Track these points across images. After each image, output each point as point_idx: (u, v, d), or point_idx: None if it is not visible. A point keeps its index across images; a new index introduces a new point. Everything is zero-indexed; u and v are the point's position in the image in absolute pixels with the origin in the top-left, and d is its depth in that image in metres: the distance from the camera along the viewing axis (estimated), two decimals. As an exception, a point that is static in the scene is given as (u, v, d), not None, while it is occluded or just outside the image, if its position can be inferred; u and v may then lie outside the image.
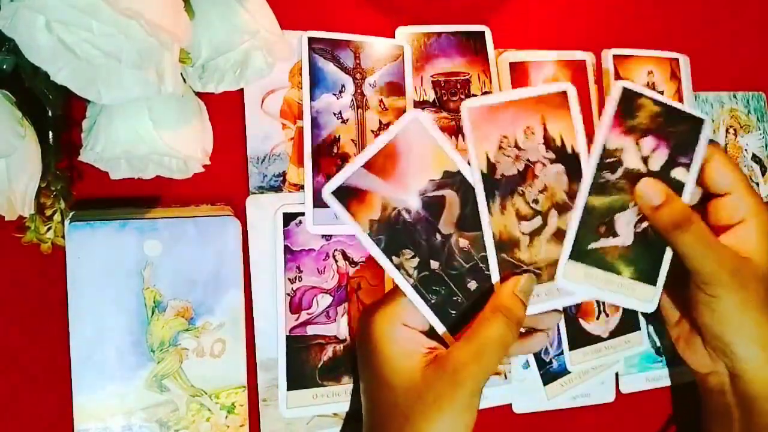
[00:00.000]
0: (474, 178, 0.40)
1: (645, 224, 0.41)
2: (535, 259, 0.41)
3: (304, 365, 0.42)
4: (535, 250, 0.41)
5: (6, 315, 0.39)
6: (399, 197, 0.39)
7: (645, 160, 0.41)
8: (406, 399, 0.36)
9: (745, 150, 0.56)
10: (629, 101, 0.41)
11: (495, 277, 0.40)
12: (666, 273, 0.42)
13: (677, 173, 0.41)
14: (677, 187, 0.41)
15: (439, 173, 0.40)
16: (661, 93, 0.52)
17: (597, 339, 0.48)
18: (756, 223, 0.41)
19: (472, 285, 0.40)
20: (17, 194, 0.33)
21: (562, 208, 0.41)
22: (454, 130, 0.46)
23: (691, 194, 0.42)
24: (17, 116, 0.32)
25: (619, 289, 0.41)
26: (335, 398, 0.43)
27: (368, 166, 0.39)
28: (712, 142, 0.43)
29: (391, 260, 0.39)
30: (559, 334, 0.47)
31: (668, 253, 0.42)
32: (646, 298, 0.41)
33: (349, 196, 0.39)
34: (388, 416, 0.37)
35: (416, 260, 0.39)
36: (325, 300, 0.43)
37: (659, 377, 0.52)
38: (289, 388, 0.42)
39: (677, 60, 0.53)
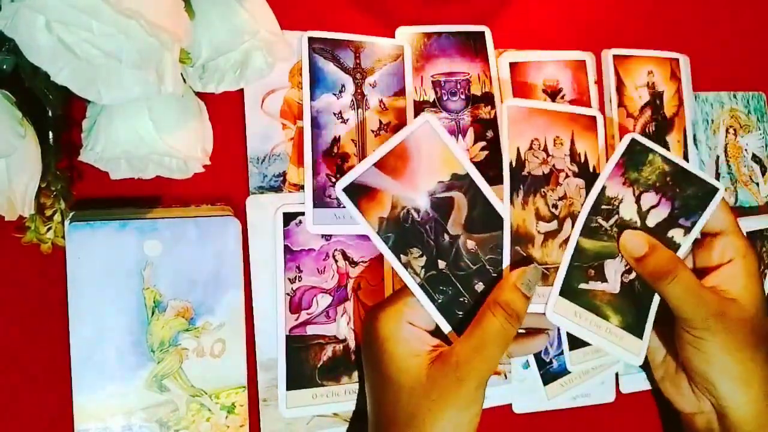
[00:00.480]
0: (503, 167, 0.41)
1: (632, 276, 0.42)
2: (545, 259, 0.42)
3: (304, 365, 0.42)
4: (547, 251, 0.42)
5: (6, 315, 0.39)
6: (408, 196, 0.40)
7: (643, 214, 0.42)
8: (411, 397, 0.36)
9: (745, 150, 0.56)
10: (637, 154, 0.42)
11: (506, 263, 0.41)
12: (651, 327, 0.42)
13: (674, 233, 0.42)
14: (671, 247, 0.42)
15: (447, 175, 0.41)
16: (661, 93, 0.52)
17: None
18: (743, 264, 0.42)
19: (479, 286, 0.40)
20: (17, 194, 0.33)
21: (577, 220, 0.43)
22: (454, 131, 0.47)
23: (684, 256, 0.42)
24: (17, 116, 0.32)
25: (607, 336, 0.41)
26: (335, 398, 0.43)
27: (379, 165, 0.40)
28: None
29: (399, 258, 0.39)
30: (559, 334, 0.47)
31: (653, 307, 0.42)
32: (633, 350, 0.42)
33: (360, 193, 0.39)
34: (395, 414, 0.37)
35: (424, 259, 0.40)
36: (324, 300, 0.43)
37: (659, 377, 0.52)
38: (289, 388, 0.42)
39: (677, 60, 0.53)
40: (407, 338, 0.38)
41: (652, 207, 0.42)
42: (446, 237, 0.40)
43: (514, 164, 0.42)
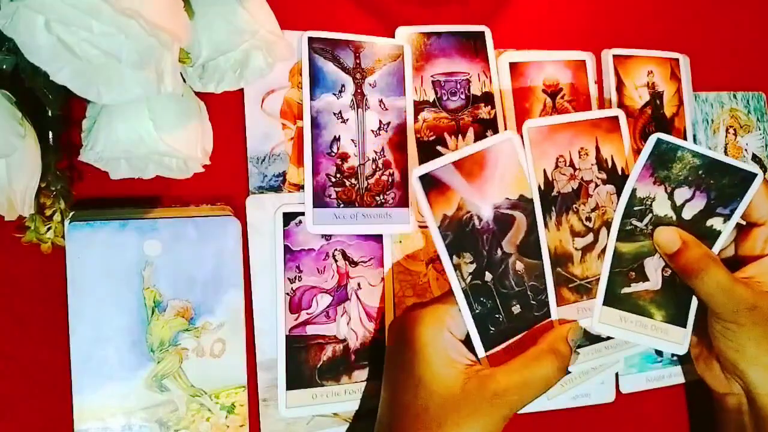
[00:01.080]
0: (533, 193, 0.41)
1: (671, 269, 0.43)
2: (586, 274, 0.43)
3: (304, 365, 0.42)
4: (586, 266, 0.43)
5: (6, 315, 0.39)
6: (475, 203, 0.40)
7: (678, 209, 0.42)
8: (441, 406, 0.37)
9: (745, 150, 0.56)
10: (663, 153, 0.42)
11: (550, 289, 0.42)
12: (695, 314, 0.43)
13: (714, 222, 0.42)
14: (711, 235, 0.42)
15: (516, 194, 0.41)
16: (661, 93, 0.52)
17: (597, 339, 0.48)
18: None
19: (516, 309, 0.41)
20: (17, 194, 0.33)
21: (612, 227, 0.43)
22: (454, 131, 0.47)
23: (723, 244, 0.43)
24: (17, 116, 0.32)
25: (652, 332, 0.42)
26: (335, 398, 0.43)
27: (457, 165, 0.40)
28: None
29: (452, 259, 0.39)
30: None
31: (695, 297, 0.43)
32: (677, 340, 0.43)
33: (432, 185, 0.39)
34: (417, 418, 0.37)
35: (473, 266, 0.40)
36: (324, 300, 0.43)
37: (659, 377, 0.52)
38: (289, 387, 0.42)
39: (677, 60, 0.53)
40: (446, 347, 0.38)
41: (687, 201, 0.42)
42: (499, 252, 0.40)
43: (543, 187, 0.42)
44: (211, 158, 0.38)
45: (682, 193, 0.42)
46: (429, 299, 0.43)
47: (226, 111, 0.43)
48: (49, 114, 0.36)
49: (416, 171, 0.39)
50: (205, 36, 0.35)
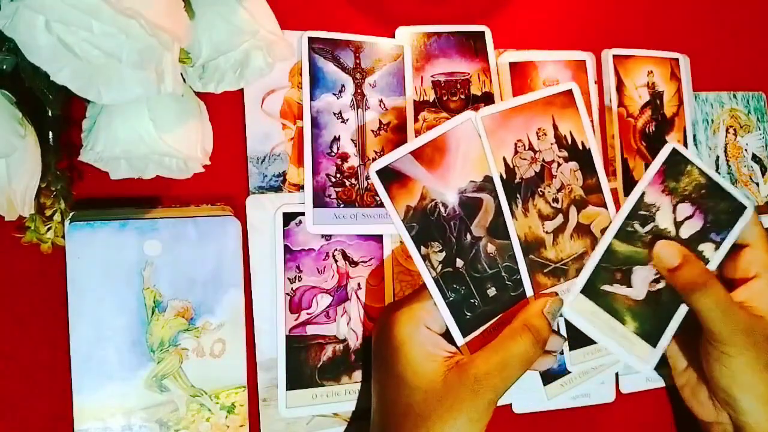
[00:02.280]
0: (495, 183, 0.41)
1: (661, 285, 0.42)
2: (561, 256, 0.42)
3: (304, 365, 0.42)
4: (560, 248, 0.42)
5: (6, 315, 0.39)
6: (439, 190, 0.40)
7: (678, 224, 0.42)
8: (425, 401, 0.37)
9: (745, 150, 0.56)
10: (676, 164, 0.42)
11: (525, 277, 0.41)
12: (669, 338, 0.42)
13: (705, 248, 0.42)
14: (701, 260, 0.42)
15: (480, 176, 0.41)
16: (661, 93, 0.52)
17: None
18: None
19: (491, 291, 0.40)
20: (17, 194, 0.33)
21: (580, 204, 0.42)
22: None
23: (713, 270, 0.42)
24: (17, 116, 0.32)
25: (619, 339, 0.41)
26: (335, 398, 0.43)
27: (416, 154, 0.40)
28: None
29: (419, 250, 0.39)
30: (558, 330, 0.47)
31: (677, 319, 0.42)
32: (643, 357, 0.41)
33: (392, 178, 0.39)
34: (404, 416, 0.37)
35: (443, 255, 0.40)
36: (324, 300, 0.43)
37: (659, 377, 0.52)
38: (289, 387, 0.42)
39: (677, 60, 0.53)
40: (424, 342, 0.38)
41: (687, 218, 0.42)
42: (468, 237, 0.40)
43: (504, 175, 0.41)
44: (211, 158, 0.38)
45: (684, 209, 0.42)
46: (405, 296, 0.43)
47: (226, 111, 0.43)
48: (49, 114, 0.36)
49: (373, 166, 0.39)
50: (205, 36, 0.35)
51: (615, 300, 0.41)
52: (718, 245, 0.42)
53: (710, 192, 0.42)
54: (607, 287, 0.41)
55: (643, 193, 0.42)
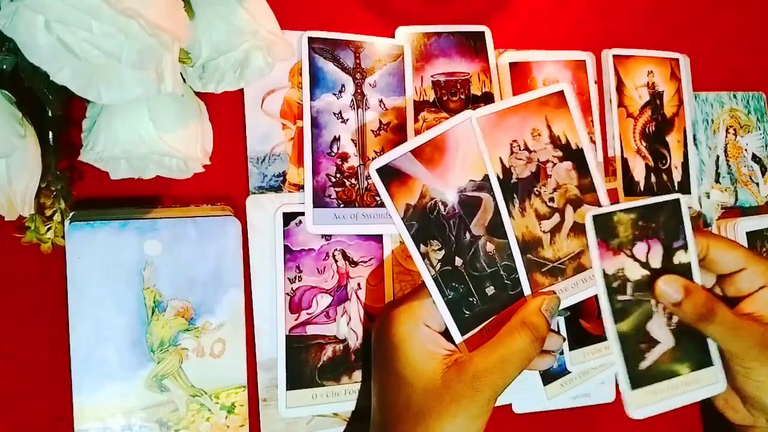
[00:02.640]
0: (492, 184, 0.41)
1: (675, 319, 0.42)
2: (558, 255, 0.42)
3: (304, 365, 0.42)
4: (557, 247, 0.42)
5: (6, 315, 0.39)
6: (439, 189, 0.40)
7: (646, 264, 0.42)
8: (424, 398, 0.37)
9: (745, 150, 0.56)
10: (603, 223, 0.42)
11: (523, 276, 0.41)
12: (716, 347, 0.42)
13: (679, 257, 0.42)
14: (684, 270, 0.42)
15: (480, 175, 0.41)
16: (661, 93, 0.52)
17: (597, 339, 0.48)
18: None
19: (490, 290, 0.41)
20: (17, 194, 0.33)
21: (576, 203, 0.42)
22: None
23: (699, 271, 0.42)
24: (17, 116, 0.32)
25: (686, 387, 0.42)
26: (335, 398, 0.43)
27: (416, 152, 0.40)
28: (701, 231, 0.44)
29: (419, 248, 0.40)
30: (558, 329, 0.47)
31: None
32: (712, 381, 0.42)
33: (392, 176, 0.40)
34: (403, 414, 0.37)
35: (442, 253, 0.40)
36: (324, 300, 0.43)
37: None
38: (289, 387, 0.42)
39: (677, 60, 0.53)
40: (423, 340, 0.38)
41: (647, 252, 0.42)
42: (467, 236, 0.40)
43: (501, 176, 0.41)
44: (211, 158, 0.38)
45: (640, 249, 0.42)
46: (404, 294, 0.43)
47: (226, 111, 0.43)
48: (49, 114, 0.36)
49: (373, 164, 0.39)
50: (205, 36, 0.35)
51: (660, 364, 0.42)
52: (685, 247, 0.42)
53: (644, 217, 0.42)
54: (644, 363, 0.41)
55: (603, 270, 0.41)
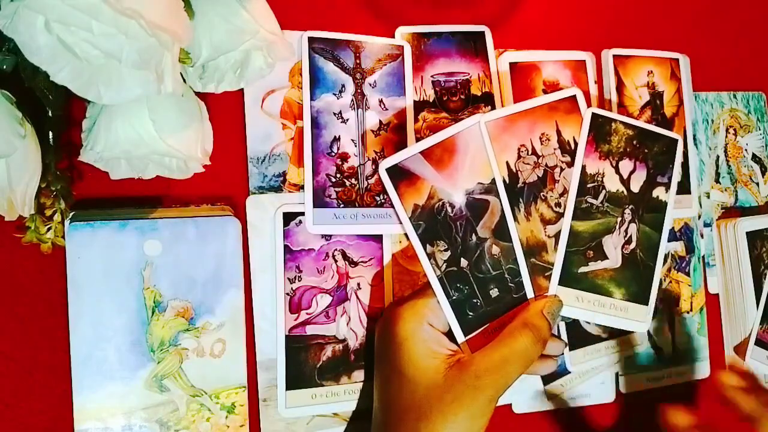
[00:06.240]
0: (498, 187, 0.41)
1: (632, 246, 0.42)
2: None
3: (304, 365, 0.42)
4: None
5: (6, 315, 0.39)
6: (447, 190, 0.40)
7: (626, 182, 0.42)
8: (426, 397, 0.37)
9: (745, 150, 0.56)
10: (601, 127, 0.42)
11: (526, 280, 0.41)
12: (657, 292, 0.42)
13: (658, 193, 0.43)
14: (660, 207, 0.42)
15: (488, 179, 0.41)
16: (661, 93, 0.52)
17: (597, 339, 0.48)
18: None
19: (494, 292, 0.41)
20: (17, 194, 0.33)
21: (566, 207, 0.42)
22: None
23: (672, 213, 0.43)
24: (17, 116, 0.32)
25: (611, 311, 0.42)
26: (335, 398, 0.43)
27: (425, 154, 0.40)
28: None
29: (425, 248, 0.40)
30: (559, 334, 0.47)
31: (657, 271, 0.43)
32: (639, 317, 0.42)
33: (401, 176, 0.40)
34: (405, 412, 0.37)
35: (448, 254, 0.40)
36: (324, 300, 0.43)
37: (659, 377, 0.52)
38: (289, 387, 0.42)
39: (677, 60, 0.53)
40: (426, 339, 0.39)
41: (631, 172, 0.42)
42: (474, 238, 0.41)
43: (507, 180, 0.42)
44: (211, 158, 0.38)
45: (625, 165, 0.42)
46: (409, 294, 0.43)
47: (226, 111, 0.43)
48: (49, 114, 0.36)
49: (383, 164, 0.40)
50: (205, 36, 0.35)
51: (595, 276, 0.42)
52: (667, 186, 0.42)
53: (641, 140, 0.43)
54: (583, 269, 0.42)
55: (584, 167, 0.42)
